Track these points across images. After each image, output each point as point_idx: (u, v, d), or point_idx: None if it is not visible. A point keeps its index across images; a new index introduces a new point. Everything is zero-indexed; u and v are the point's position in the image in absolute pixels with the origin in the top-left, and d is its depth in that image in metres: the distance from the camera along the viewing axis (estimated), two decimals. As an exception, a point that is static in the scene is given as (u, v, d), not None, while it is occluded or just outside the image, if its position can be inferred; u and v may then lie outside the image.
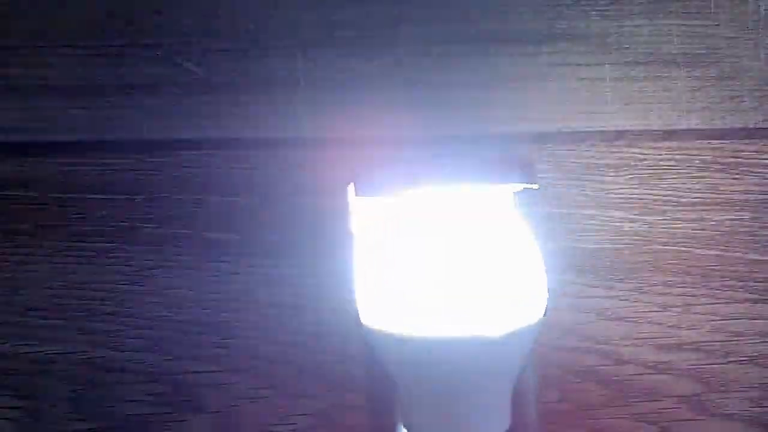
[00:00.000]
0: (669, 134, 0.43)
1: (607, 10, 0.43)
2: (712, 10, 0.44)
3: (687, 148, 0.43)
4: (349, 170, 0.42)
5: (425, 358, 0.32)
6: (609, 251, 0.43)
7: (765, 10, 0.44)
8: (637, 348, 0.42)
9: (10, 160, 0.42)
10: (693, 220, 0.43)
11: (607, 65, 0.43)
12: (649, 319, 0.42)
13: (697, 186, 0.43)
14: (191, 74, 0.43)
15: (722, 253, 0.43)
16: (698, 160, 0.43)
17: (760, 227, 0.43)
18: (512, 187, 0.35)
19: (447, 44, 0.43)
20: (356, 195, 0.36)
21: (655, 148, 0.43)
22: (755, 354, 0.42)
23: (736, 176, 0.43)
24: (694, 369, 0.42)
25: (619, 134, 0.43)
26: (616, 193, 0.43)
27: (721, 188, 0.43)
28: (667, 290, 0.42)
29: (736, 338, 0.42)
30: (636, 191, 0.43)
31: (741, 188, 0.43)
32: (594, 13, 0.43)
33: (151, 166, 0.42)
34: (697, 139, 0.43)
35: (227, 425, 0.41)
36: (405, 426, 0.34)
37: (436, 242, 0.33)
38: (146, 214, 0.42)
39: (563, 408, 0.42)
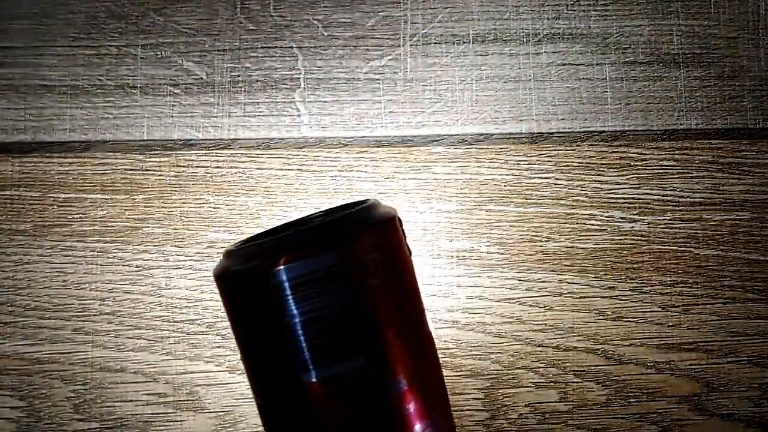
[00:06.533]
0: (669, 134, 0.43)
1: (607, 10, 0.43)
2: (712, 10, 0.44)
3: (687, 148, 0.43)
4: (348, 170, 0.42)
5: None
6: (609, 251, 0.43)
7: (765, 10, 0.44)
8: (637, 348, 0.42)
9: (10, 160, 0.42)
10: (693, 220, 0.43)
11: (607, 65, 0.43)
12: (649, 319, 0.42)
13: (697, 186, 0.43)
14: (191, 74, 0.43)
15: (722, 253, 0.43)
16: (698, 160, 0.43)
17: (760, 227, 0.43)
18: None
19: (446, 44, 0.43)
20: None
21: (655, 148, 0.43)
22: (755, 354, 0.42)
23: (736, 176, 0.43)
24: (694, 369, 0.42)
25: (619, 134, 0.43)
26: (616, 193, 0.43)
27: (721, 188, 0.43)
28: (667, 290, 0.42)
29: (736, 338, 0.42)
30: (636, 191, 0.43)
31: (741, 188, 0.43)
32: (594, 13, 0.43)
33: (151, 166, 0.42)
34: (697, 139, 0.43)
35: (227, 425, 0.41)
36: None
37: None
38: (146, 214, 0.42)
39: (563, 408, 0.42)
